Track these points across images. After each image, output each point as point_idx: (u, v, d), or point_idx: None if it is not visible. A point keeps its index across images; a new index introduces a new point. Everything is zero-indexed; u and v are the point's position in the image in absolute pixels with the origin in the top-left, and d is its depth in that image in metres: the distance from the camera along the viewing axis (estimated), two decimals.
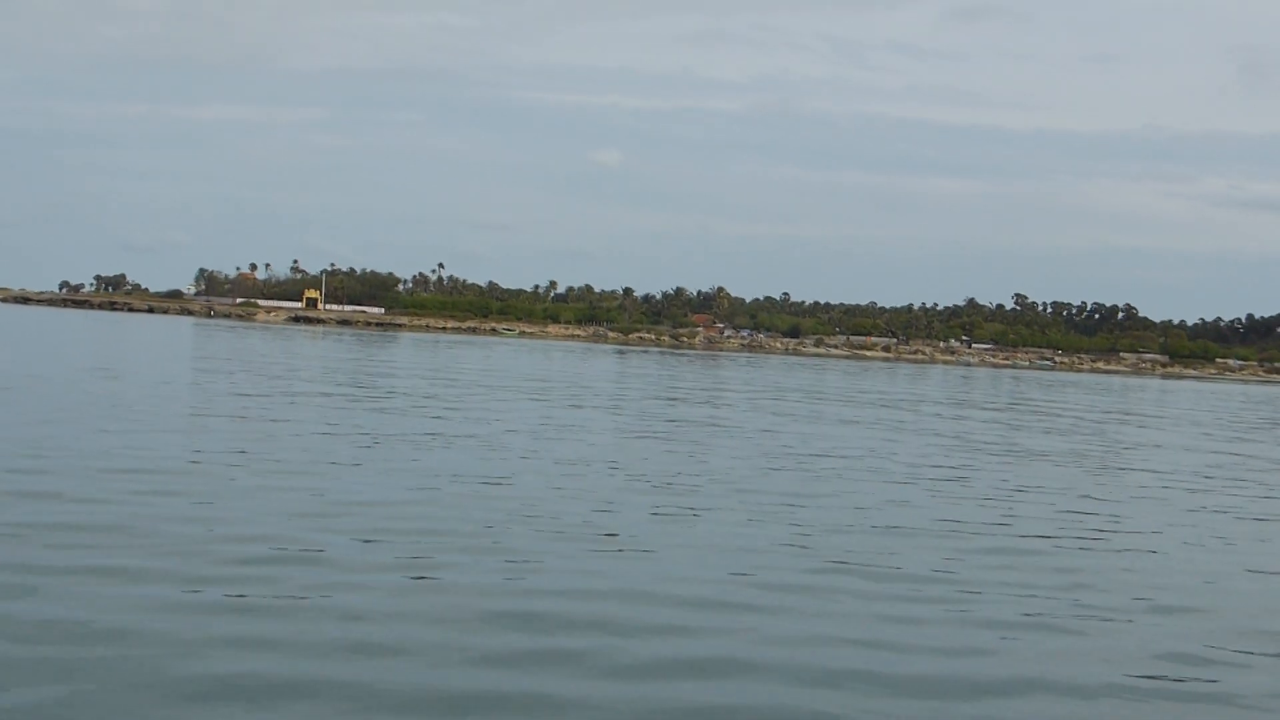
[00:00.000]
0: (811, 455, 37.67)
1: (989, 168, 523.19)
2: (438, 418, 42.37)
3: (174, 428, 34.23)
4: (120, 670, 12.59)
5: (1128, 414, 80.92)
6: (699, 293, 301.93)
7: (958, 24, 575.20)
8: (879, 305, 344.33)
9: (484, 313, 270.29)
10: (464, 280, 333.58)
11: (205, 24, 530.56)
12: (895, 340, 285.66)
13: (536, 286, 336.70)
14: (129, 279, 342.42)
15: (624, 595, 16.81)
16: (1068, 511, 28.13)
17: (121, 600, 15.07)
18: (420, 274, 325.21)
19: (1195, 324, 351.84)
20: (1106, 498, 31.67)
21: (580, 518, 22.83)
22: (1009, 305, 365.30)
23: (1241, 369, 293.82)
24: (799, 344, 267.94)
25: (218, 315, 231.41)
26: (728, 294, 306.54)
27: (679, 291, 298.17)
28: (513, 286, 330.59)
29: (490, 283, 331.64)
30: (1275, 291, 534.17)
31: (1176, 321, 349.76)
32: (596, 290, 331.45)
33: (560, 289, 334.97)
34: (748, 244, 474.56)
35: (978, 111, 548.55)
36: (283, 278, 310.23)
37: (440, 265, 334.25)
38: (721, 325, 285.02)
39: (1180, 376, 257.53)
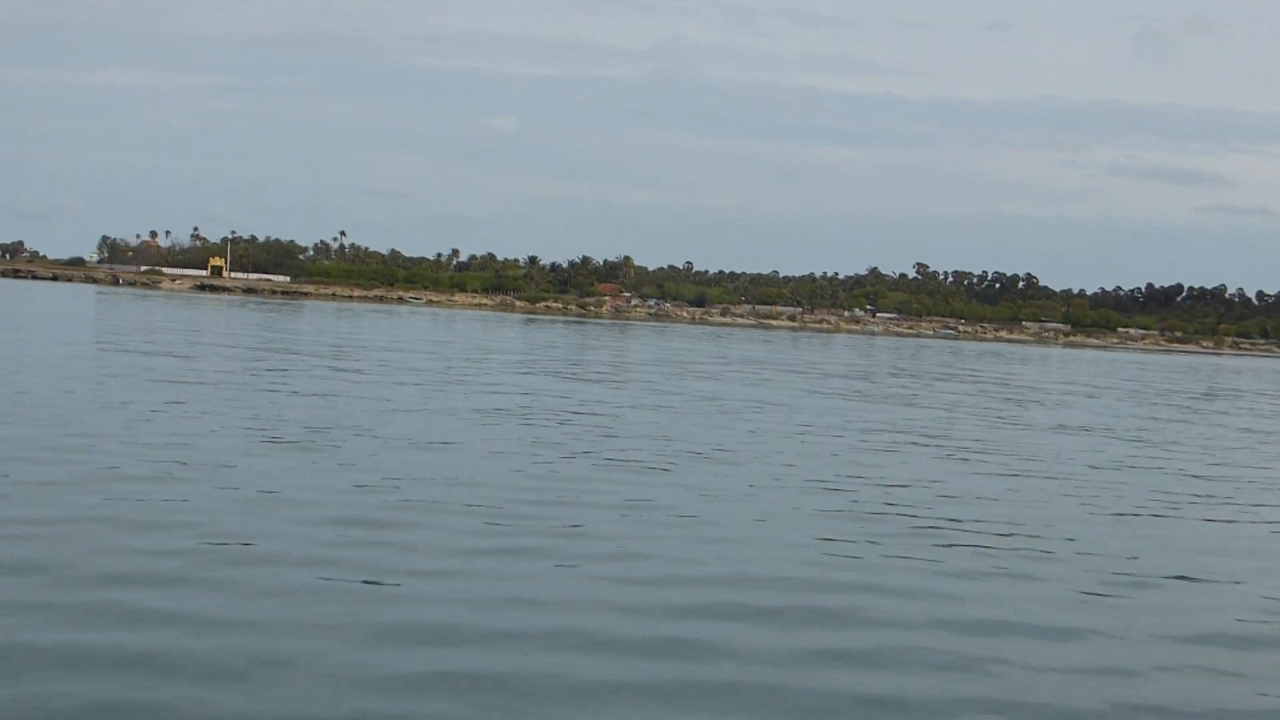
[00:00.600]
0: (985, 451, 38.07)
1: (884, 136, 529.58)
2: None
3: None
4: None
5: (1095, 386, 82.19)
6: (605, 261, 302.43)
7: None
8: (782, 274, 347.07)
9: (390, 281, 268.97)
10: (366, 248, 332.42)
11: None
12: (800, 309, 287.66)
13: (439, 255, 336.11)
14: (27, 246, 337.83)
15: None
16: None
17: None
18: (322, 241, 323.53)
19: (1095, 293, 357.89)
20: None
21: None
22: (911, 274, 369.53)
23: (1143, 338, 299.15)
24: (705, 313, 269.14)
25: (123, 284, 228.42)
26: (633, 263, 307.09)
27: (585, 260, 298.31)
28: (414, 255, 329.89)
29: (392, 250, 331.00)
30: (1171, 261, 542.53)
31: (1076, 290, 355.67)
32: (499, 259, 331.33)
33: (463, 257, 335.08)
34: (645, 212, 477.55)
35: (873, 80, 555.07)
36: (185, 245, 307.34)
37: (342, 233, 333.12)
38: (629, 294, 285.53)
39: (1082, 345, 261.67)
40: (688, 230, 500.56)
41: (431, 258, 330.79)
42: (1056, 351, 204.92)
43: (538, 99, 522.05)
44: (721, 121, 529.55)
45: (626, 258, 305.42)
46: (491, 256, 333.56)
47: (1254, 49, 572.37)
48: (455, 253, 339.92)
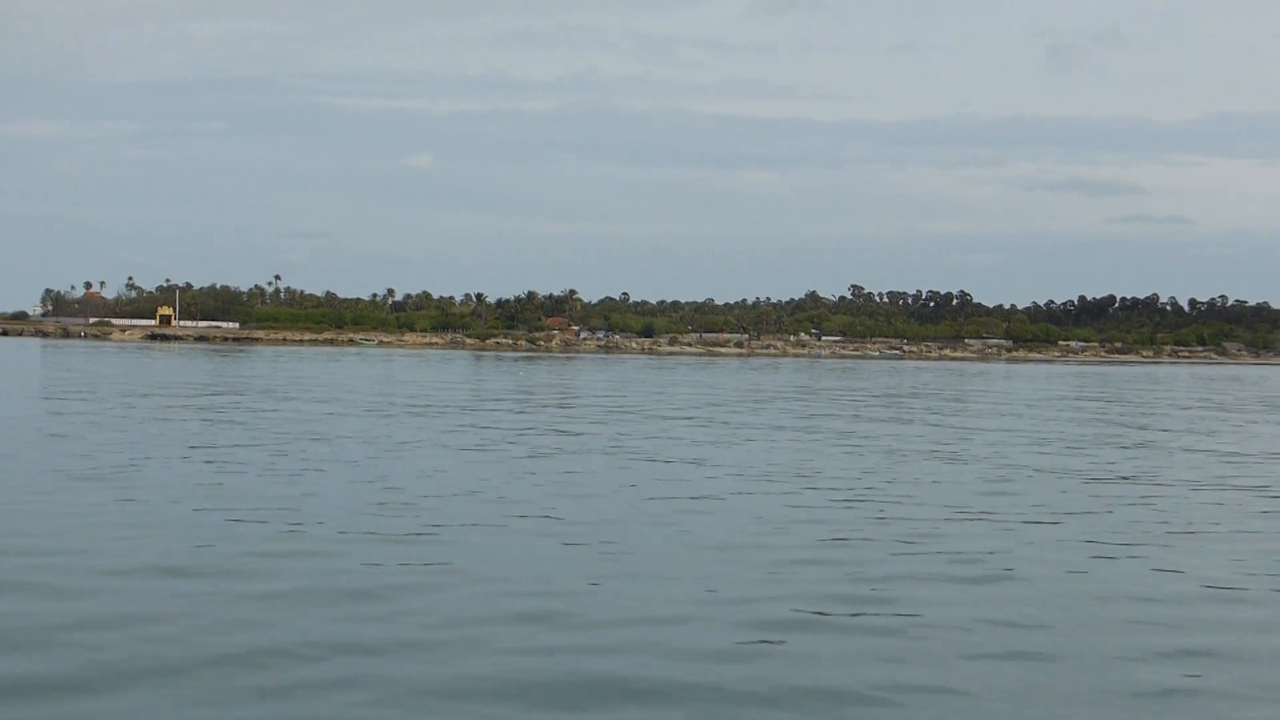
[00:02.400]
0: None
1: (802, 160, 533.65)
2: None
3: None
4: None
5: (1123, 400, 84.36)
6: (550, 295, 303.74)
7: (764, 17, 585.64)
8: (718, 301, 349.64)
9: (338, 324, 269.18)
10: (302, 291, 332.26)
11: (9, 39, 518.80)
12: (747, 336, 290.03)
13: (375, 295, 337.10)
14: None
15: None
16: None
17: None
18: (258, 286, 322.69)
19: (1029, 307, 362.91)
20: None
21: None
22: (848, 296, 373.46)
23: (1084, 350, 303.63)
24: (654, 343, 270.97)
25: (72, 336, 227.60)
26: (579, 297, 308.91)
27: (531, 295, 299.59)
28: (350, 295, 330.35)
29: (328, 293, 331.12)
30: (1098, 272, 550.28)
31: (1009, 306, 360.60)
32: (435, 296, 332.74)
33: (398, 296, 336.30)
34: (573, 244, 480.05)
35: (789, 104, 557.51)
36: (125, 295, 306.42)
37: (277, 277, 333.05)
38: (577, 328, 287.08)
39: (1025, 360, 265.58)
40: (618, 261, 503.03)
41: (368, 298, 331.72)
42: (1000, 367, 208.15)
43: (454, 135, 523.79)
44: (639, 151, 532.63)
45: (572, 291, 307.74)
46: (427, 295, 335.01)
47: (1164, 60, 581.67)
48: (391, 292, 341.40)
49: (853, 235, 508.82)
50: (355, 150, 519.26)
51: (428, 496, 27.63)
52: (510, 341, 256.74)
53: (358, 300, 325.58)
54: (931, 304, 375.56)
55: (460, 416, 53.86)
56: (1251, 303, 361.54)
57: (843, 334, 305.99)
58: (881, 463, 37.93)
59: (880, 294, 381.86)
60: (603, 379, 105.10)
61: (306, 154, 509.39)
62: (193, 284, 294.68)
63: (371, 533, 22.63)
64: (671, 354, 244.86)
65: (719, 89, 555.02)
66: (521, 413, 57.85)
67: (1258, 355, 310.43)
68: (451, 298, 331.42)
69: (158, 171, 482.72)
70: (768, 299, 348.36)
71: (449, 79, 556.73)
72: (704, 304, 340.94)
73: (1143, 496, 31.27)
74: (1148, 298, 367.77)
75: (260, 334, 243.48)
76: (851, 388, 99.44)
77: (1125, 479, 35.22)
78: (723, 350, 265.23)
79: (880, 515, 26.61)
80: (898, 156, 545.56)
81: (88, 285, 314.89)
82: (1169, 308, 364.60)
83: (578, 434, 45.80)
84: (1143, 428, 57.81)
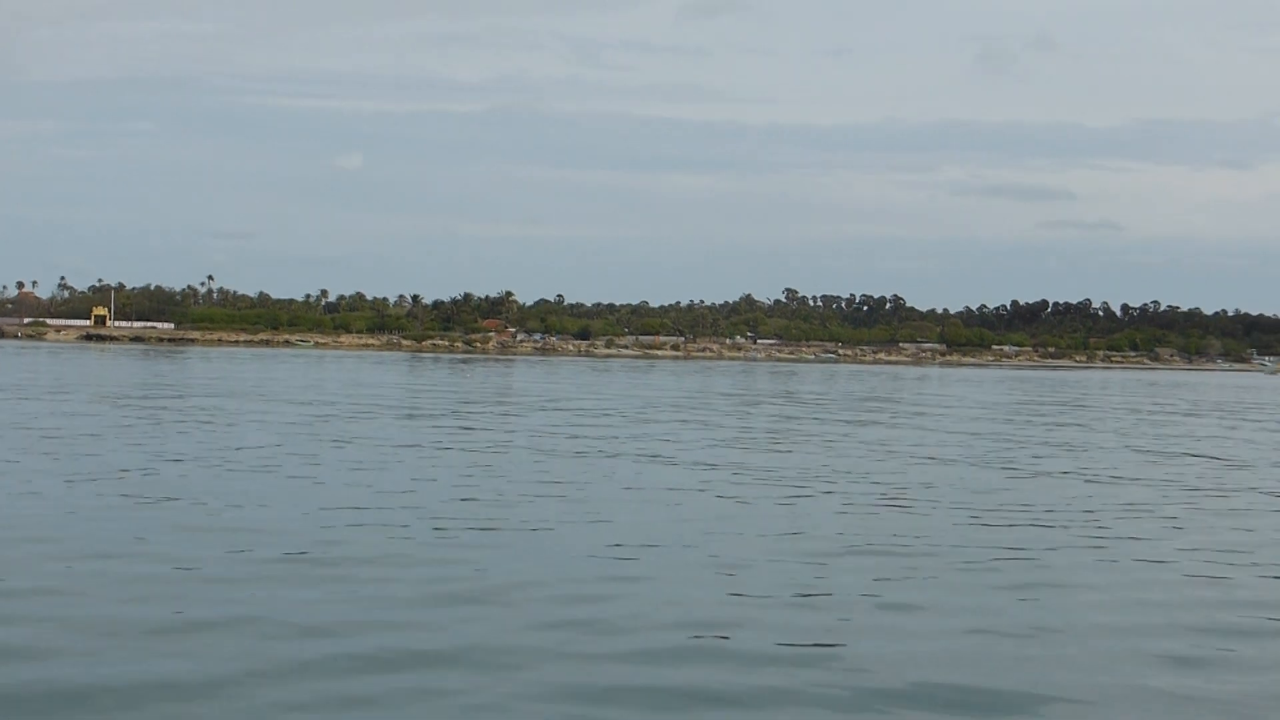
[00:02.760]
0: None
1: (733, 163, 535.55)
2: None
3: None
4: None
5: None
6: (486, 297, 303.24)
7: (695, 20, 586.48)
8: (651, 304, 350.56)
9: (273, 325, 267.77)
10: (235, 292, 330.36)
11: None
12: (683, 339, 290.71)
13: (308, 296, 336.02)
14: None
15: None
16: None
17: None
18: (190, 287, 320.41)
19: (961, 311, 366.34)
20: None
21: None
22: (782, 300, 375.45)
23: (1017, 354, 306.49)
24: (590, 346, 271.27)
25: (7, 336, 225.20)
26: (516, 299, 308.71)
27: (467, 297, 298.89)
28: (282, 296, 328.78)
29: (261, 293, 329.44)
30: (1029, 276, 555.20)
31: (941, 310, 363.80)
32: (369, 298, 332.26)
33: (331, 297, 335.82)
34: (505, 246, 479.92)
35: (718, 107, 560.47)
36: (57, 295, 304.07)
37: (210, 277, 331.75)
38: (513, 330, 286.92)
39: (959, 364, 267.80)
40: (551, 263, 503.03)
41: (301, 299, 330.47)
42: (935, 370, 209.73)
43: (383, 135, 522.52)
44: (568, 153, 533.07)
45: (508, 293, 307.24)
46: (361, 296, 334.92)
47: (1094, 66, 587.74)
48: (324, 293, 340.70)
49: (784, 239, 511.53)
50: (284, 151, 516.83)
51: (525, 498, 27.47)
52: (447, 343, 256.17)
53: (291, 301, 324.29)
54: (865, 308, 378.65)
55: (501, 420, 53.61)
56: (1184, 308, 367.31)
57: (778, 337, 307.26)
58: (956, 472, 38.09)
59: (814, 297, 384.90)
60: (576, 383, 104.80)
61: (235, 154, 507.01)
62: (125, 284, 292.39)
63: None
64: (608, 356, 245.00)
65: (649, 92, 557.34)
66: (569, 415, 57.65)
67: (1190, 361, 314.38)
68: (385, 299, 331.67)
69: (86, 171, 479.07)
70: (702, 302, 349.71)
71: (378, 80, 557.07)
72: (639, 306, 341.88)
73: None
74: (1080, 303, 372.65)
75: (196, 335, 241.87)
76: (825, 392, 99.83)
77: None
78: (659, 353, 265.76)
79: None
80: (828, 161, 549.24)
81: (20, 285, 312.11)
82: (1101, 313, 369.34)
83: (664, 453, 45.59)
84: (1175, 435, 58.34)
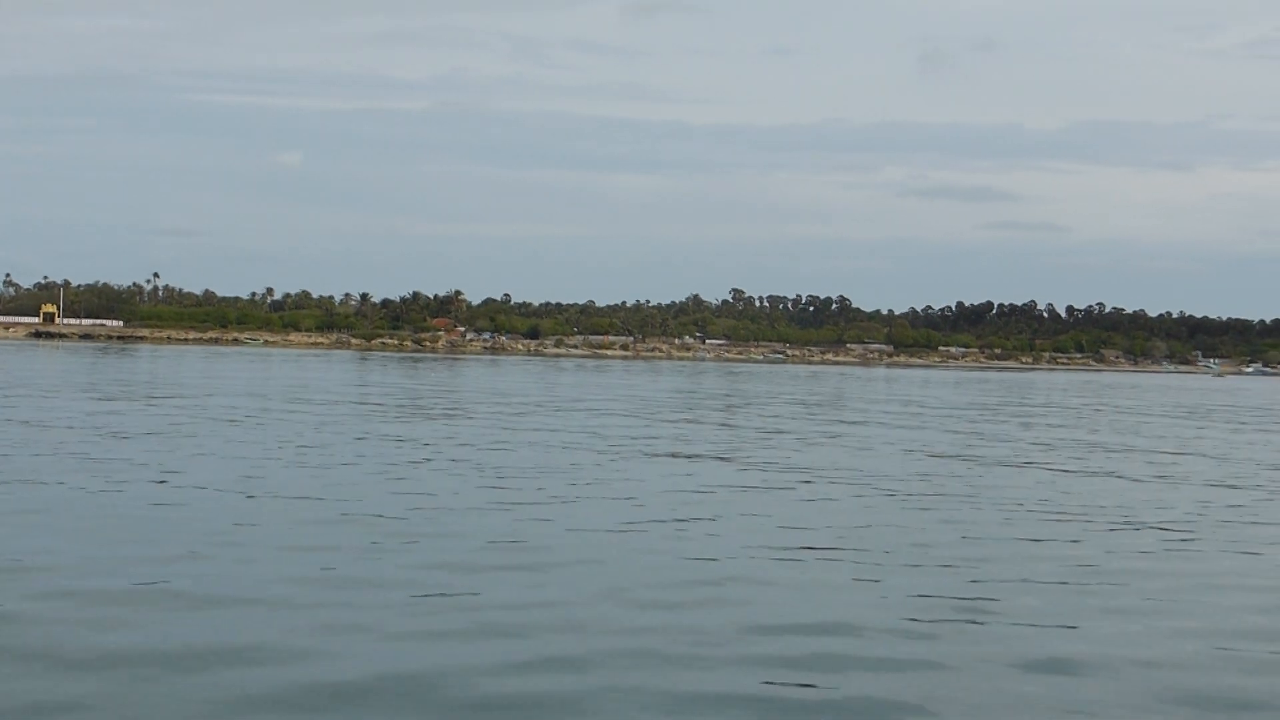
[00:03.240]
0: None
1: (678, 163, 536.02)
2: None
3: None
4: None
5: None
6: (435, 296, 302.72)
7: (638, 20, 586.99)
8: (598, 304, 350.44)
9: (222, 323, 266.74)
10: (180, 289, 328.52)
11: None
12: (632, 339, 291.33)
13: (254, 294, 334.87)
14: None
15: None
16: None
17: None
18: (136, 284, 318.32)
19: (907, 313, 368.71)
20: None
21: None
22: (729, 300, 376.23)
23: (964, 355, 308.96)
24: (540, 345, 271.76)
25: None
26: (465, 298, 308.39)
27: (416, 296, 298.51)
28: (228, 294, 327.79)
29: (206, 291, 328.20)
30: (971, 278, 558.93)
31: (886, 311, 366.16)
32: (315, 295, 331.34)
33: (272, 294, 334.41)
34: (448, 245, 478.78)
35: (662, 107, 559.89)
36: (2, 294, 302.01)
37: (155, 275, 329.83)
38: (463, 328, 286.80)
39: (907, 365, 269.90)
40: (496, 262, 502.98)
41: (247, 297, 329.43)
42: (881, 371, 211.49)
43: (325, 133, 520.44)
44: (515, 152, 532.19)
45: (457, 291, 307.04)
46: (307, 294, 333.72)
47: (1036, 68, 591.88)
48: (270, 291, 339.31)
49: (728, 239, 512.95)
50: (226, 147, 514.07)
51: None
52: (396, 342, 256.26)
53: (237, 299, 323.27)
54: (811, 308, 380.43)
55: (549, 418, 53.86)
56: (1128, 310, 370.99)
57: (727, 337, 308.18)
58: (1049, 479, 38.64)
59: (761, 298, 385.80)
60: (569, 381, 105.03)
61: (177, 151, 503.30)
62: (71, 281, 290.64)
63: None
64: (558, 355, 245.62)
65: (594, 91, 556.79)
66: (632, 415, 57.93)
67: (1135, 363, 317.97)
68: (331, 297, 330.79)
69: (28, 168, 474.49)
70: (648, 301, 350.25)
71: (320, 77, 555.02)
72: (587, 306, 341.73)
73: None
74: (1025, 304, 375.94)
75: (145, 332, 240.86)
76: (812, 390, 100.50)
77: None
78: (608, 353, 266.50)
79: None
80: (772, 161, 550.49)
81: None
82: (1046, 314, 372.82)
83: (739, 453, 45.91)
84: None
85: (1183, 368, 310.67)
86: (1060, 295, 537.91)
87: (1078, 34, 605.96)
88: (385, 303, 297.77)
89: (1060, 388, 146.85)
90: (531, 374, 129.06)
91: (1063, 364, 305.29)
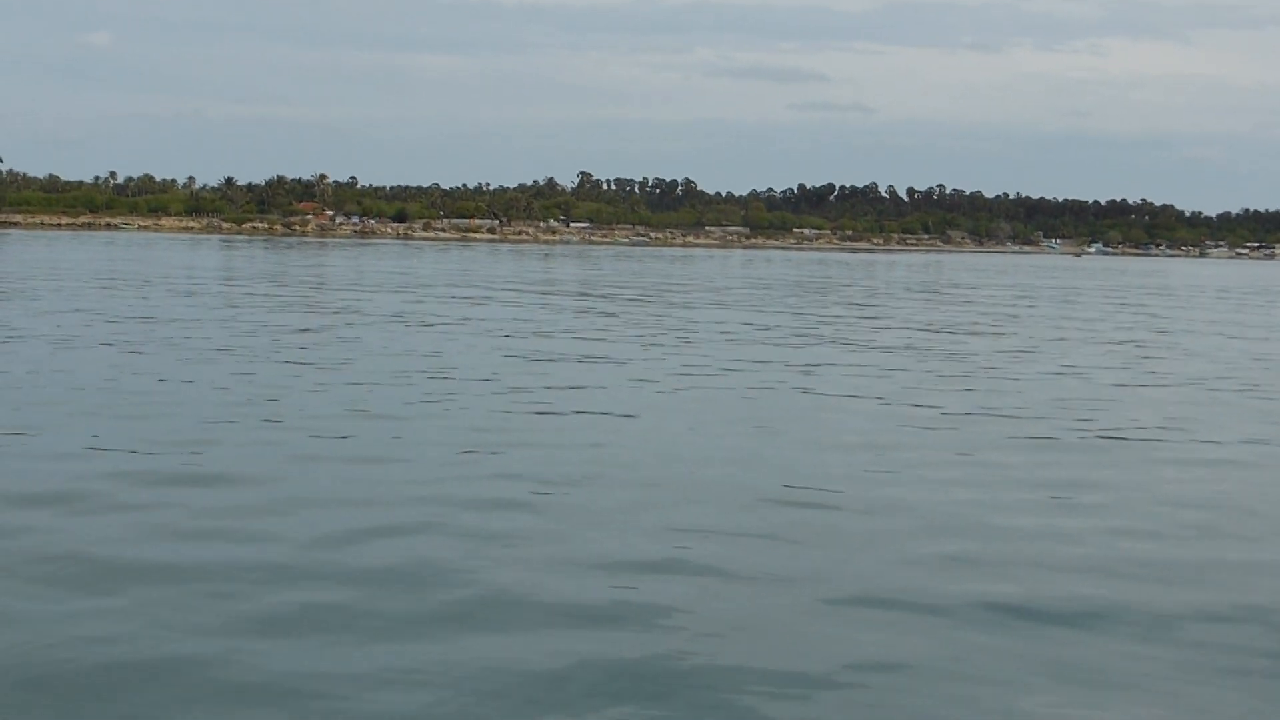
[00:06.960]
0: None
1: (484, 43, 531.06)
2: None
3: None
4: None
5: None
6: (299, 180, 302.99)
7: None
8: (425, 186, 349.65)
9: (91, 208, 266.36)
10: (24, 174, 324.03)
11: None
12: (499, 222, 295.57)
13: (97, 178, 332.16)
14: None
15: None
16: None
17: None
18: None
19: (749, 194, 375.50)
20: None
21: None
22: (576, 183, 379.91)
23: (818, 238, 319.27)
24: (408, 228, 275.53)
25: None
26: (329, 182, 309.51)
27: (280, 180, 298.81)
28: (71, 179, 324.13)
29: (50, 175, 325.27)
30: (782, 158, 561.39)
31: (727, 193, 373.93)
32: (157, 179, 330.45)
33: (115, 178, 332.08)
34: (264, 126, 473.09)
35: None
36: None
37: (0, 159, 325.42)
38: (331, 213, 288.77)
39: (764, 247, 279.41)
40: (307, 144, 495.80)
41: (90, 181, 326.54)
42: (739, 253, 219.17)
43: (131, 14, 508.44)
44: (318, 32, 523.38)
45: (322, 175, 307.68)
46: (150, 178, 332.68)
47: None
48: (113, 174, 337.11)
49: (539, 121, 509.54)
50: (26, 27, 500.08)
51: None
52: (266, 226, 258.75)
53: (80, 183, 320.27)
54: (658, 191, 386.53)
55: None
56: (967, 192, 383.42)
57: (590, 221, 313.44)
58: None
59: (608, 181, 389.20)
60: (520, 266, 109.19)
61: None
62: None
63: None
64: (425, 240, 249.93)
65: None
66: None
67: (981, 243, 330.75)
68: (174, 180, 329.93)
69: None
70: (488, 184, 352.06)
71: None
72: (454, 190, 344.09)
73: None
74: (866, 186, 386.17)
75: (19, 218, 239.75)
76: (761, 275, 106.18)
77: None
78: (475, 236, 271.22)
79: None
80: (580, 42, 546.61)
81: None
82: (887, 196, 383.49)
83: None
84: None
85: (1027, 248, 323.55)
86: (871, 175, 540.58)
87: None
88: (251, 186, 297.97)
89: (978, 269, 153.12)
90: (435, 259, 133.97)
91: (911, 245, 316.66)
